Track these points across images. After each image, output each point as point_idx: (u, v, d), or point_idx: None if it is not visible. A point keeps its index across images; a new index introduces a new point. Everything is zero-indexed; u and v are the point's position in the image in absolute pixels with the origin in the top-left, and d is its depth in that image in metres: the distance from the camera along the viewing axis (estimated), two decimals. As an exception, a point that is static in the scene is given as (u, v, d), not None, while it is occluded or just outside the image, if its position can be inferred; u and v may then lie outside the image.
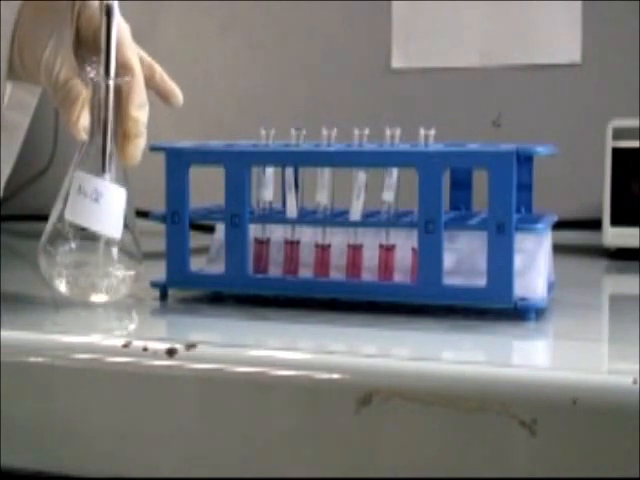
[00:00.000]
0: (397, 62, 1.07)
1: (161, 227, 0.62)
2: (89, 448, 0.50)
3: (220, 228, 0.64)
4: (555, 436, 0.43)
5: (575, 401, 0.42)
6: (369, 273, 0.60)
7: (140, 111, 0.61)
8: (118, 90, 0.60)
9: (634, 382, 0.42)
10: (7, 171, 0.72)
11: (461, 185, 0.65)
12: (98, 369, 0.50)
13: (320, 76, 1.10)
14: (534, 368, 0.47)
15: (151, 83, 0.64)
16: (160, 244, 0.62)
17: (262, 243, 0.62)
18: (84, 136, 0.60)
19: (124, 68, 0.61)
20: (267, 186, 0.63)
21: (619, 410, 0.42)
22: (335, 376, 0.46)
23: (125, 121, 0.60)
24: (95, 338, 0.52)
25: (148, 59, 0.65)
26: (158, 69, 0.65)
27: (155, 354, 0.49)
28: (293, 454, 0.47)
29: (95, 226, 0.60)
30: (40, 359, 0.51)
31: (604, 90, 1.00)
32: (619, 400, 0.42)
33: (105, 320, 0.58)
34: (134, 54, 0.62)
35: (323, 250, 0.61)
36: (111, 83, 0.60)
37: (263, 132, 0.63)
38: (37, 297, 0.65)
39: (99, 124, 0.60)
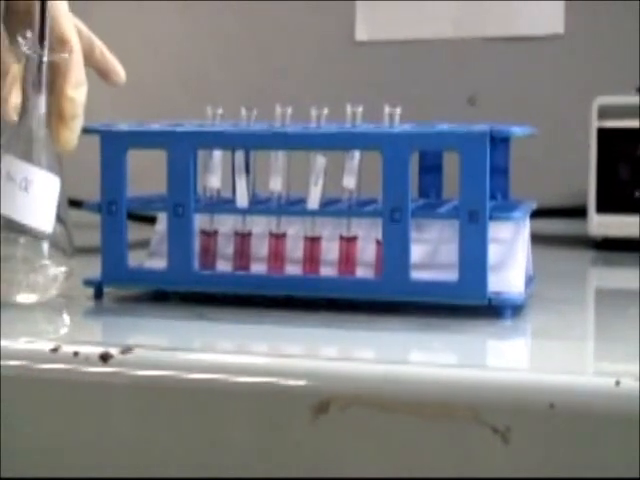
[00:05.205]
0: (361, 34, 1.07)
1: (96, 218, 0.62)
2: (16, 460, 0.50)
3: (162, 219, 0.64)
4: (531, 444, 0.43)
5: (552, 405, 0.43)
6: (328, 267, 0.60)
7: (77, 90, 0.61)
8: (54, 66, 0.60)
9: (617, 384, 0.43)
10: None
11: (430, 169, 0.66)
12: (24, 377, 0.50)
13: (275, 49, 1.10)
14: (509, 370, 0.47)
15: (90, 59, 0.64)
16: (95, 237, 0.62)
17: (209, 235, 0.62)
18: (14, 116, 0.60)
19: (60, 42, 0.60)
20: (214, 172, 0.63)
21: (601, 415, 0.42)
22: (289, 382, 0.47)
23: (60, 101, 0.60)
24: (20, 342, 0.51)
25: (87, 32, 0.64)
26: (98, 44, 0.65)
27: (87, 360, 0.49)
28: (242, 467, 0.47)
29: (24, 218, 0.59)
30: (-42, 367, 0.51)
31: (589, 64, 1.01)
32: (601, 404, 0.42)
33: (32, 322, 0.58)
34: (72, 27, 0.62)
35: (277, 239, 0.61)
36: (46, 58, 0.59)
37: (210, 111, 0.63)
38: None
39: (31, 103, 0.60)
